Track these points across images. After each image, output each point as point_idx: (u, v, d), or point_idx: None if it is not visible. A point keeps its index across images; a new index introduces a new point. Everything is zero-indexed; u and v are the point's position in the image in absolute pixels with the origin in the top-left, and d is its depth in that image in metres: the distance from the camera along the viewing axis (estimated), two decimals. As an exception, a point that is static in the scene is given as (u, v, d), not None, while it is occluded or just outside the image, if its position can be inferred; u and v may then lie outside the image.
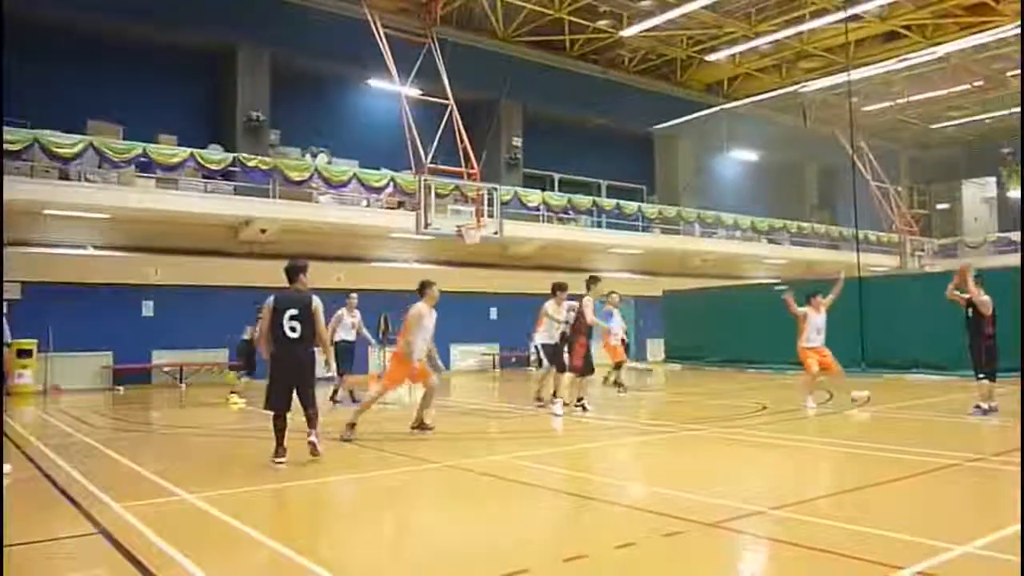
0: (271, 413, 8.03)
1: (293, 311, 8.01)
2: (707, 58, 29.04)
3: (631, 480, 7.65)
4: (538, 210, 25.04)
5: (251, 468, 8.05)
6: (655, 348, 27.45)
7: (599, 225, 27.26)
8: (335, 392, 14.24)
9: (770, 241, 32.53)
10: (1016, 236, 31.16)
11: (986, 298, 10.60)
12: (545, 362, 13.64)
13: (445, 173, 19.23)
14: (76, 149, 17.40)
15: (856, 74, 24.95)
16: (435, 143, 19.06)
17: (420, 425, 10.12)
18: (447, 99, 19.84)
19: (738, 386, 16.66)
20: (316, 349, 8.27)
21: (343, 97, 24.98)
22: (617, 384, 15.51)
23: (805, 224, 33.35)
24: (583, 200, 26.48)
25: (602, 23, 26.03)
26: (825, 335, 12.23)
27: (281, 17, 21.68)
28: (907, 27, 26.41)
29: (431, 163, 18.62)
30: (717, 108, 29.59)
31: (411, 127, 18.83)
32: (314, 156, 22.75)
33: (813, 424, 11.01)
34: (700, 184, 32.49)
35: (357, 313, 14.17)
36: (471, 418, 12.79)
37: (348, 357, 13.91)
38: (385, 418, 13.08)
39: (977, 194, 41.62)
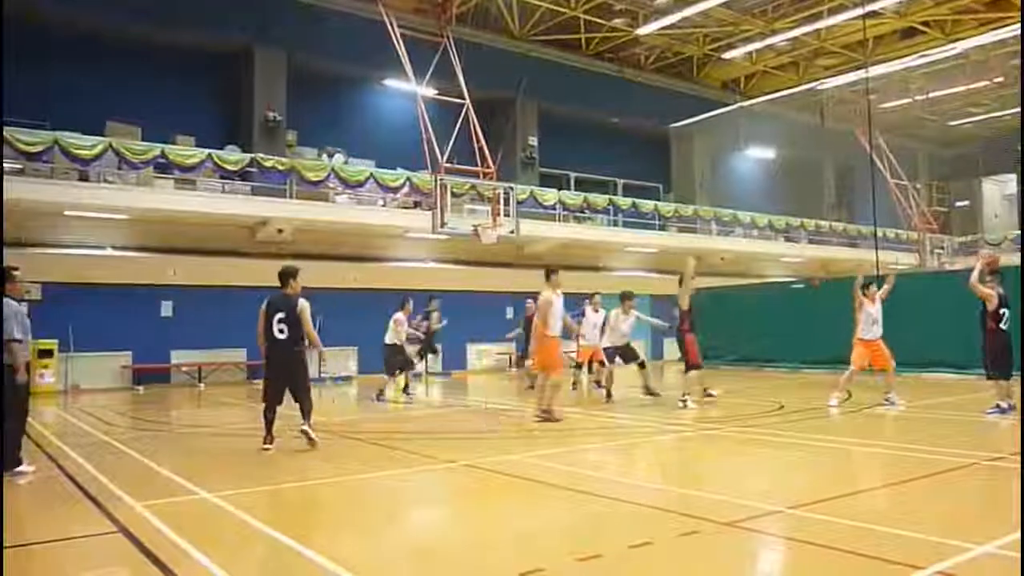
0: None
1: (281, 314, 8.74)
2: (724, 56, 28.92)
3: (646, 479, 7.63)
4: (554, 209, 24.99)
5: (268, 467, 8.11)
6: (671, 347, 27.32)
7: (615, 224, 27.19)
8: (405, 389, 15.20)
9: (787, 239, 32.33)
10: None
11: (988, 291, 10.36)
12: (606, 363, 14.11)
13: (461, 172, 19.23)
14: (95, 151, 17.54)
15: (874, 71, 24.74)
16: (451, 142, 19.06)
17: (548, 411, 10.88)
18: (463, 98, 19.86)
19: (754, 385, 16.58)
20: (315, 348, 9.11)
21: (359, 97, 25.05)
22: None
23: (823, 222, 33.13)
24: (599, 199, 26.41)
25: (618, 21, 25.97)
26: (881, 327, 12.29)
27: (298, 18, 21.77)
28: (925, 23, 26.19)
29: (447, 163, 18.62)
30: (734, 106, 29.42)
31: (427, 127, 18.85)
32: (330, 156, 22.82)
33: (829, 423, 10.94)
34: (717, 182, 32.35)
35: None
36: (487, 417, 12.80)
37: (400, 357, 14.74)
38: (402, 417, 13.15)
39: (996, 191, 41.29)
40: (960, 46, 25.90)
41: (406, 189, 21.70)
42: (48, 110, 18.27)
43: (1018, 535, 4.72)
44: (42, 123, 17.52)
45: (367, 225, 21.82)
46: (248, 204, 20.01)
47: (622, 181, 31.06)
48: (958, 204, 40.55)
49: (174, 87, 21.45)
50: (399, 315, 14.70)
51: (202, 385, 19.61)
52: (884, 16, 25.18)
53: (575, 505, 6.31)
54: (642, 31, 25.59)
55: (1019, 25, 23.27)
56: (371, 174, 21.25)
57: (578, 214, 26.32)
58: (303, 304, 8.79)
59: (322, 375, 21.31)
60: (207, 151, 19.13)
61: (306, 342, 8.91)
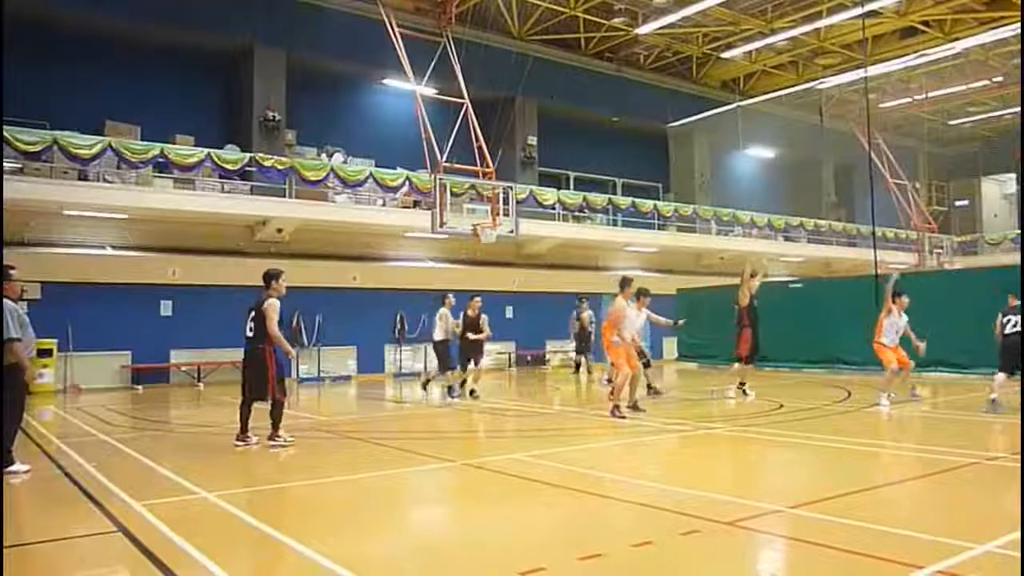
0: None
1: (252, 313, 9.20)
2: (723, 55, 28.91)
3: (647, 479, 7.63)
4: (553, 208, 24.98)
5: (268, 466, 8.12)
6: (669, 346, 27.35)
7: (615, 223, 27.19)
8: (450, 388, 15.16)
9: (787, 239, 32.32)
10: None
11: None
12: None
13: (460, 172, 19.22)
14: (94, 150, 17.52)
15: (873, 70, 24.75)
16: (450, 142, 19.05)
17: (635, 406, 11.63)
18: (462, 98, 19.86)
19: (754, 384, 16.56)
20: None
21: (359, 97, 25.04)
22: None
23: (822, 221, 33.12)
24: (598, 198, 26.39)
25: (617, 21, 25.96)
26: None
27: (297, 17, 21.77)
28: (925, 23, 26.18)
29: (446, 162, 18.62)
30: (733, 105, 29.42)
31: (426, 126, 18.84)
32: (330, 156, 22.82)
33: (830, 423, 10.93)
34: (716, 181, 32.34)
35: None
36: (488, 417, 12.81)
37: (449, 355, 14.95)
38: (403, 416, 13.16)
39: (996, 191, 41.30)
40: (960, 45, 25.91)
41: (405, 189, 21.70)
42: (48, 109, 18.26)
43: (1018, 535, 4.72)
44: (42, 122, 17.51)
45: (366, 225, 21.81)
46: (247, 204, 20.00)
47: (621, 180, 31.09)
48: (957, 204, 40.56)
49: (173, 87, 21.46)
50: (443, 310, 14.91)
51: (202, 385, 19.59)
52: (883, 15, 25.17)
53: (576, 504, 6.31)
54: (641, 31, 25.57)
55: (1019, 25, 23.29)
56: (370, 173, 21.24)
57: (577, 214, 26.31)
58: (269, 303, 9.08)
59: (321, 375, 21.38)
60: (206, 150, 19.10)
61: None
